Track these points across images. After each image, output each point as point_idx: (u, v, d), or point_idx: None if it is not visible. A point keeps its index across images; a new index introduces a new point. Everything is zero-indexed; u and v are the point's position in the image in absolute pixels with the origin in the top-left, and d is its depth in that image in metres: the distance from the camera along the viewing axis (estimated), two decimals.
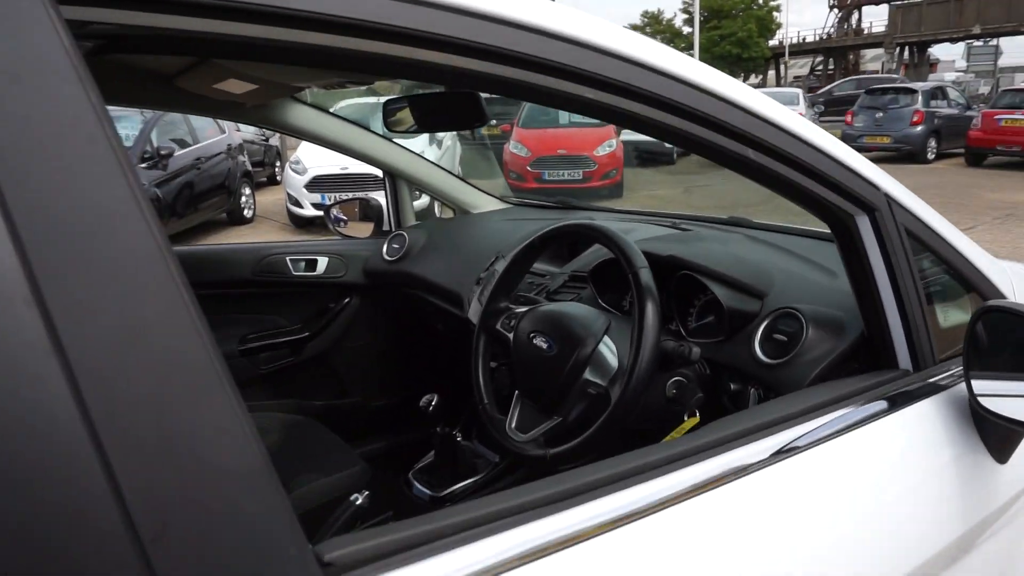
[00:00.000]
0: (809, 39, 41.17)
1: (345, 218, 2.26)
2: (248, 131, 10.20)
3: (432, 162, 2.29)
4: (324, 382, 2.17)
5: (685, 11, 38.43)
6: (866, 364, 1.06)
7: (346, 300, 2.15)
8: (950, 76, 32.35)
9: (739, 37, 36.16)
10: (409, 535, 0.54)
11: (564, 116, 10.27)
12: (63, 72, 0.41)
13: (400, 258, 2.06)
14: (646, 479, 0.67)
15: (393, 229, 2.23)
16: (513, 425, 1.25)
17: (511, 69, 0.66)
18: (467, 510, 0.58)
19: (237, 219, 8.61)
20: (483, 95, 1.47)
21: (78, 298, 0.39)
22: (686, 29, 38.07)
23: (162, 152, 7.08)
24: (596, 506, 0.63)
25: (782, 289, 1.26)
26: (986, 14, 28.97)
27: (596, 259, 1.51)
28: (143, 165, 6.86)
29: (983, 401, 0.94)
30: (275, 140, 11.77)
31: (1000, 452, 1.00)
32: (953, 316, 1.13)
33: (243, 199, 8.70)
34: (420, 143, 7.57)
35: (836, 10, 38.84)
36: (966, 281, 1.13)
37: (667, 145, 12.56)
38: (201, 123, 8.08)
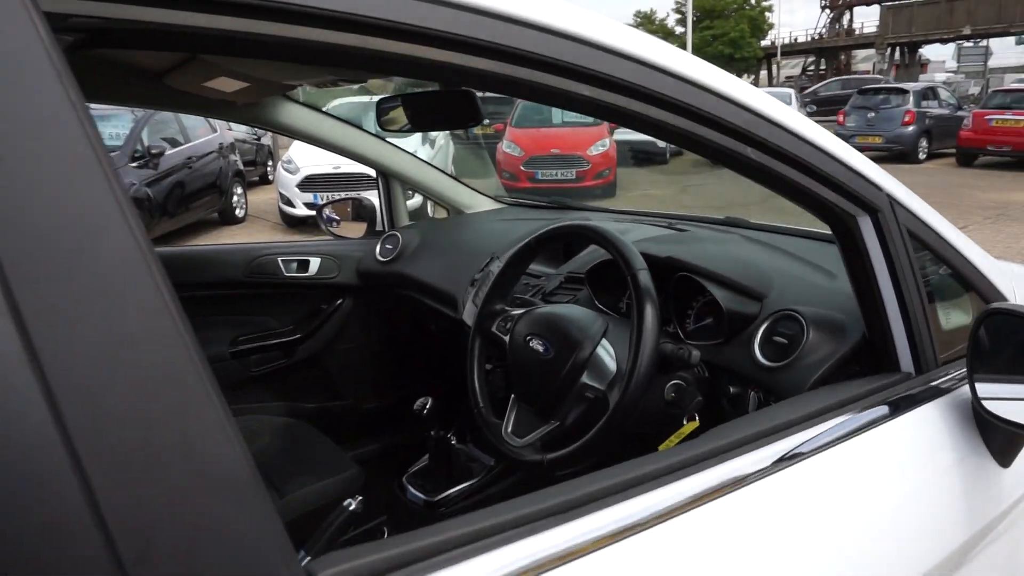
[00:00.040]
0: (801, 39, 41.36)
1: (338, 218, 2.23)
2: (240, 130, 10.15)
3: (426, 162, 2.26)
4: (316, 384, 2.14)
5: (678, 11, 38.51)
6: (867, 367, 1.05)
7: (339, 301, 2.12)
8: (940, 76, 32.56)
9: (731, 37, 36.25)
10: (404, 551, 0.52)
11: (557, 115, 10.26)
12: (41, 68, 0.39)
13: (393, 259, 2.04)
14: (647, 490, 0.65)
15: (386, 229, 2.21)
16: (509, 429, 1.23)
17: (508, 66, 0.64)
18: (463, 524, 0.56)
19: (229, 219, 8.56)
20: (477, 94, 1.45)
21: (55, 307, 0.37)
22: (679, 29, 38.11)
23: (153, 151, 7.02)
24: (596, 519, 0.61)
25: (781, 291, 1.24)
26: (976, 15, 29.14)
27: (592, 260, 1.49)
28: (134, 164, 6.81)
29: (987, 404, 0.93)
30: (267, 139, 11.70)
31: (1003, 456, 0.99)
32: (954, 318, 1.12)
33: (235, 198, 8.65)
34: (413, 142, 7.54)
35: (828, 11, 38.99)
36: (967, 283, 1.11)
37: (660, 145, 12.63)
38: (192, 122, 8.02)
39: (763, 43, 39.43)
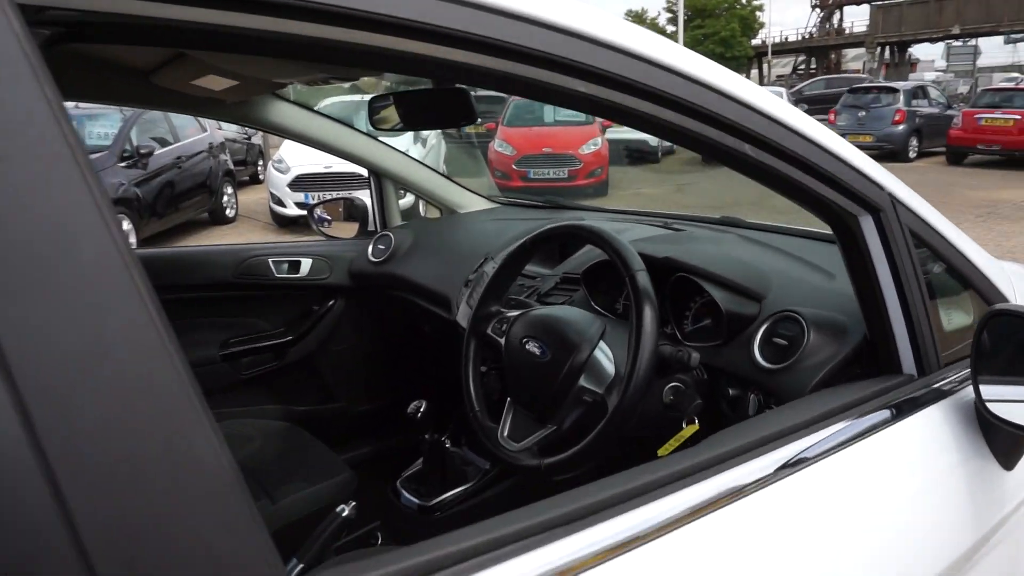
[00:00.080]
0: (792, 38, 41.50)
1: (329, 218, 2.21)
2: (230, 129, 10.08)
3: (418, 161, 2.24)
4: (308, 387, 2.12)
5: (669, 10, 38.60)
6: (868, 368, 1.03)
7: (330, 302, 2.10)
8: (930, 76, 32.74)
9: (722, 36, 36.33)
10: (397, 570, 0.50)
11: (549, 114, 10.25)
12: (14, 63, 0.37)
13: (386, 259, 2.01)
14: (650, 499, 0.63)
15: (378, 229, 2.18)
16: (505, 434, 1.20)
17: (502, 61, 0.62)
18: (458, 539, 0.54)
19: (219, 218, 8.50)
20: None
21: (28, 316, 0.35)
22: (670, 28, 38.17)
23: (142, 151, 6.97)
24: (598, 531, 0.59)
25: (780, 291, 1.23)
26: (965, 15, 29.32)
27: (588, 261, 1.47)
28: (122, 164, 6.75)
29: (991, 407, 0.91)
30: (257, 138, 11.63)
31: (1007, 458, 0.98)
32: (956, 319, 1.11)
33: (225, 198, 8.60)
34: (404, 141, 7.50)
35: (818, 10, 39.15)
36: (968, 283, 1.10)
37: (652, 143, 12.66)
38: (182, 121, 7.97)
39: (754, 42, 39.55)
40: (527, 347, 1.20)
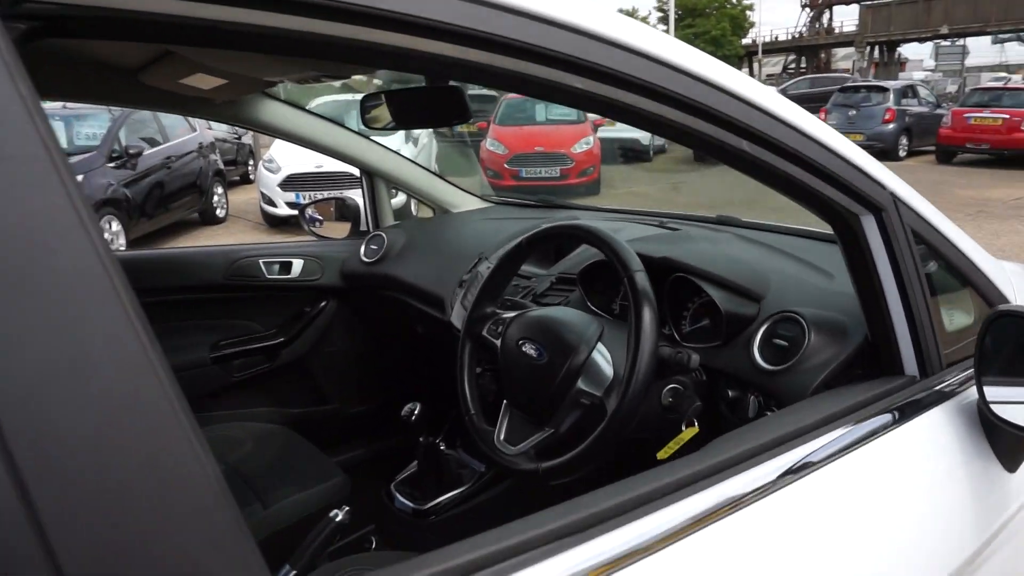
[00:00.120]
0: (782, 38, 41.64)
1: (320, 218, 2.18)
2: (220, 129, 10.02)
3: (411, 160, 2.22)
4: (300, 389, 2.09)
5: (659, 9, 38.67)
6: (869, 370, 1.02)
7: (322, 304, 2.07)
8: (919, 75, 32.90)
9: (713, 35, 36.43)
10: None
11: (541, 113, 10.24)
12: None
13: (379, 260, 1.99)
14: (654, 509, 0.61)
15: (371, 229, 2.16)
16: (502, 437, 1.18)
17: (496, 56, 0.60)
18: (455, 554, 0.52)
19: (209, 219, 8.45)
20: None
21: (0, 326, 0.32)
22: (660, 27, 38.26)
23: (131, 151, 6.91)
24: (602, 543, 0.57)
25: (779, 291, 1.21)
26: (953, 15, 29.51)
27: (584, 261, 1.45)
28: (111, 164, 6.69)
29: (995, 408, 0.90)
30: (248, 138, 11.57)
31: (1010, 460, 0.97)
32: (958, 319, 1.10)
33: (215, 198, 8.55)
34: (396, 140, 7.47)
35: (807, 9, 39.31)
36: (969, 282, 1.09)
37: (644, 142, 12.67)
38: (171, 121, 7.91)
39: (744, 41, 39.68)
40: (524, 349, 1.18)
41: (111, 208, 6.44)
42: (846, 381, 1.02)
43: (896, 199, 0.95)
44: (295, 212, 6.29)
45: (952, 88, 27.59)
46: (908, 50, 39.27)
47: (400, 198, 3.61)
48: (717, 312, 1.20)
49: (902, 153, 12.89)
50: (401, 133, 7.80)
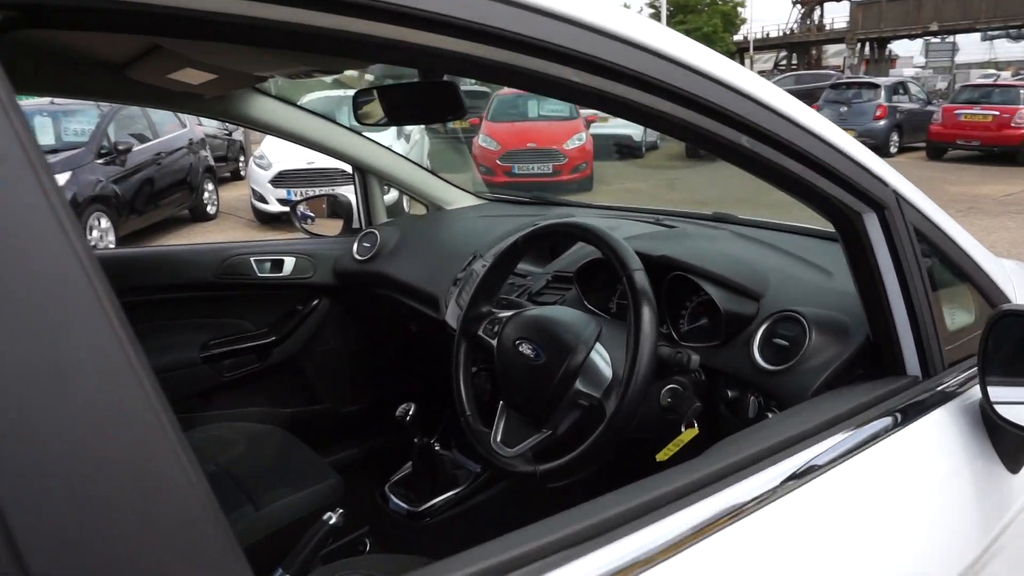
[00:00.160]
0: (773, 35, 41.74)
1: (312, 215, 2.15)
2: (210, 125, 9.94)
3: (404, 156, 2.19)
4: (293, 388, 2.07)
5: (651, 6, 38.62)
6: (871, 370, 1.01)
7: (315, 302, 2.05)
8: (909, 72, 33.04)
9: (704, 32, 36.40)
10: None
11: (533, 109, 10.21)
12: None
13: (371, 257, 1.96)
14: (659, 517, 0.60)
15: (363, 227, 2.13)
16: (498, 439, 1.16)
17: (488, 48, 0.57)
18: (454, 567, 0.50)
19: (200, 216, 8.39)
20: None
21: None
22: None
23: (120, 147, 6.85)
24: (606, 553, 0.55)
25: (778, 290, 1.20)
26: (943, 12, 29.64)
27: (581, 259, 1.43)
28: (100, 161, 6.63)
29: (999, 409, 0.89)
30: (238, 134, 11.49)
31: (1014, 461, 0.96)
32: (960, 319, 1.08)
33: (206, 195, 8.49)
34: (388, 136, 7.43)
35: (799, 6, 39.39)
36: (971, 281, 1.08)
37: (636, 139, 12.65)
38: (161, 117, 7.84)
39: (736, 38, 39.71)
40: (520, 349, 1.16)
41: (100, 205, 6.39)
42: (847, 381, 1.01)
43: (899, 197, 0.94)
44: (286, 209, 6.25)
45: (942, 85, 27.70)
46: (898, 47, 39.49)
47: (392, 195, 3.58)
48: (716, 311, 1.18)
49: (893, 149, 12.93)
50: (393, 129, 7.75)
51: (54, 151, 6.43)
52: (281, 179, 7.45)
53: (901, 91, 13.68)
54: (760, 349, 1.10)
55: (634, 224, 1.68)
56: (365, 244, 2.00)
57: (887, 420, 0.86)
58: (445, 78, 1.30)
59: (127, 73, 1.30)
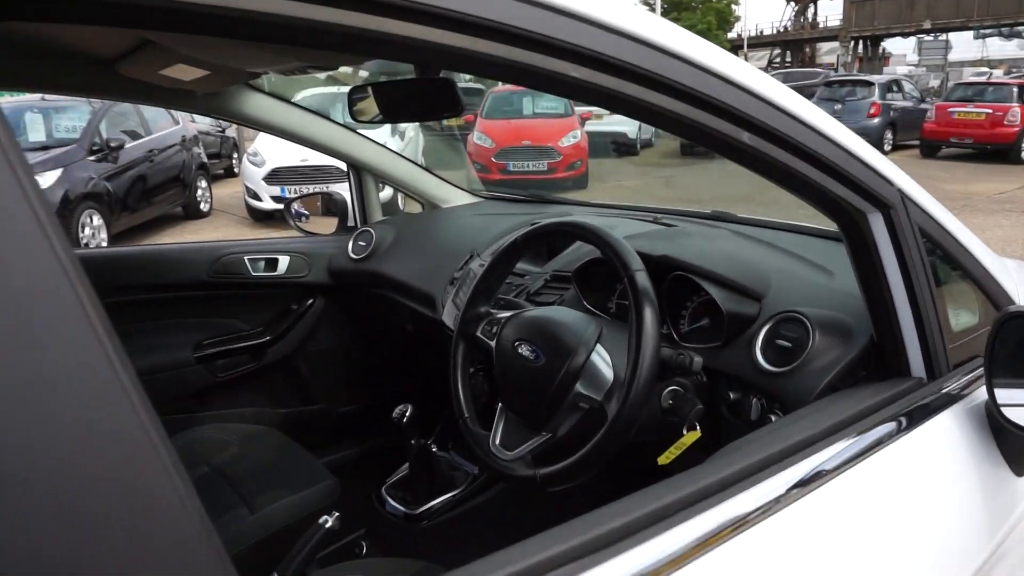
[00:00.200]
0: (767, 32, 41.80)
1: (307, 213, 2.13)
2: (203, 122, 9.88)
3: (399, 154, 2.17)
4: (288, 389, 2.05)
5: (645, 2, 38.64)
6: (874, 371, 0.99)
7: (310, 301, 2.03)
8: (902, 70, 33.18)
9: (699, 30, 36.38)
10: None
11: (528, 106, 10.19)
12: None
13: (367, 256, 1.94)
14: (661, 531, 0.58)
15: (359, 225, 2.11)
16: (497, 441, 1.14)
17: (484, 42, 0.55)
18: None
19: (193, 213, 8.35)
20: None
21: None
22: None
23: (112, 144, 6.81)
24: (609, 568, 0.53)
25: (780, 290, 1.18)
26: (936, 10, 29.74)
27: (580, 258, 1.41)
28: (92, 158, 6.58)
29: (1006, 412, 0.88)
30: (232, 131, 11.42)
31: (1019, 464, 0.95)
32: (964, 319, 1.07)
33: (199, 192, 8.44)
34: (382, 133, 7.39)
35: (792, 4, 39.45)
36: (976, 282, 1.07)
37: (630, 136, 12.65)
38: (153, 113, 7.79)
39: (730, 36, 39.74)
40: (520, 351, 1.14)
41: (92, 202, 6.34)
42: (851, 383, 1.00)
43: (904, 196, 0.92)
44: (280, 206, 6.22)
45: (935, 83, 27.78)
46: (891, 45, 39.60)
47: (386, 192, 3.55)
48: (717, 311, 1.16)
49: (887, 147, 12.96)
50: (387, 126, 7.72)
51: (45, 148, 6.38)
52: (275, 176, 7.41)
53: (895, 89, 13.71)
54: (762, 350, 1.09)
55: (632, 223, 1.66)
56: (360, 243, 1.98)
57: (894, 424, 0.85)
58: (442, 75, 1.28)
59: (117, 69, 1.27)
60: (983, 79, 15.59)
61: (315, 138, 1.88)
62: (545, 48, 0.58)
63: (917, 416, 0.88)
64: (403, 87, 1.37)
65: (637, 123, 12.27)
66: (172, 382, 1.83)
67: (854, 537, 0.73)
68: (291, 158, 7.16)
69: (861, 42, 34.03)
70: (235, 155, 11.41)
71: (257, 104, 1.72)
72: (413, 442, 1.54)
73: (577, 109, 10.25)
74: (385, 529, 1.61)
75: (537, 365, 1.11)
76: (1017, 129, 11.44)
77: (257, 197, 7.58)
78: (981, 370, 1.00)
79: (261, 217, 7.75)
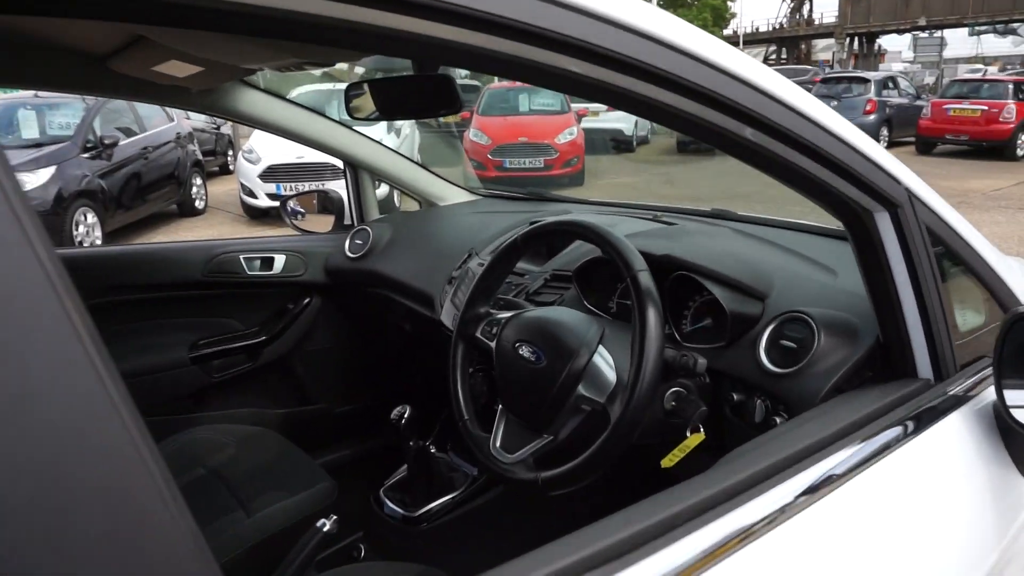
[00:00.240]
0: (763, 29, 41.83)
1: (303, 211, 2.11)
2: (198, 119, 9.83)
3: (396, 151, 2.15)
4: (284, 389, 2.03)
5: None
6: (880, 372, 0.98)
7: (306, 300, 2.01)
8: (898, 66, 33.19)
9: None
10: None
11: (525, 103, 10.17)
12: None
13: (364, 255, 1.92)
14: (669, 541, 0.56)
15: (355, 224, 2.09)
16: (498, 444, 1.13)
17: (481, 36, 0.53)
18: None
19: (188, 210, 8.31)
20: None
21: None
22: None
23: (106, 141, 6.76)
24: None
25: (783, 290, 1.17)
26: (931, 6, 29.81)
27: (580, 258, 1.40)
28: (86, 155, 6.53)
29: (1016, 414, 0.86)
30: (227, 128, 11.37)
31: None
32: (970, 319, 1.06)
33: (194, 189, 8.39)
34: (378, 130, 7.36)
35: (788, 0, 39.46)
36: (982, 282, 1.05)
37: (627, 133, 12.63)
38: (148, 110, 7.74)
39: (725, 32, 39.75)
40: (520, 352, 1.12)
41: (86, 200, 6.30)
42: (856, 384, 0.98)
43: (911, 195, 0.91)
44: (276, 204, 6.18)
45: (930, 79, 27.85)
46: (887, 41, 39.62)
47: (382, 189, 3.53)
48: (720, 312, 1.15)
49: (883, 144, 12.96)
50: (383, 123, 7.69)
51: (39, 145, 6.34)
52: (270, 173, 7.37)
53: (891, 86, 13.70)
54: (766, 351, 1.07)
55: (632, 221, 1.65)
56: (357, 241, 1.96)
57: (902, 427, 0.83)
58: (439, 71, 1.26)
59: (110, 65, 1.25)
60: (979, 76, 15.60)
61: (311, 135, 1.86)
62: (545, 42, 0.56)
63: (925, 419, 0.87)
64: (401, 84, 1.35)
65: (633, 120, 12.28)
66: (167, 383, 1.81)
67: (863, 544, 0.71)
68: (287, 155, 7.12)
69: (857, 39, 34.08)
70: (230, 152, 11.37)
71: (252, 101, 1.70)
72: (412, 443, 1.52)
73: (573, 106, 10.23)
74: (383, 532, 1.59)
75: (538, 367, 1.09)
76: (1012, 126, 11.46)
77: (252, 194, 7.54)
78: (988, 370, 0.99)
79: (257, 215, 7.72)
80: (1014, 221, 7.14)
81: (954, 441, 0.88)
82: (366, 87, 1.39)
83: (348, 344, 2.08)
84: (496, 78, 11.37)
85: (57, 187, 5.97)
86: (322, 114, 1.93)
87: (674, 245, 1.28)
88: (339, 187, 2.17)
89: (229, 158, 11.32)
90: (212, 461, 1.54)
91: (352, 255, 1.95)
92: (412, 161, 2.18)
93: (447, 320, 1.53)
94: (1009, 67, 29.34)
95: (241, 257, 1.92)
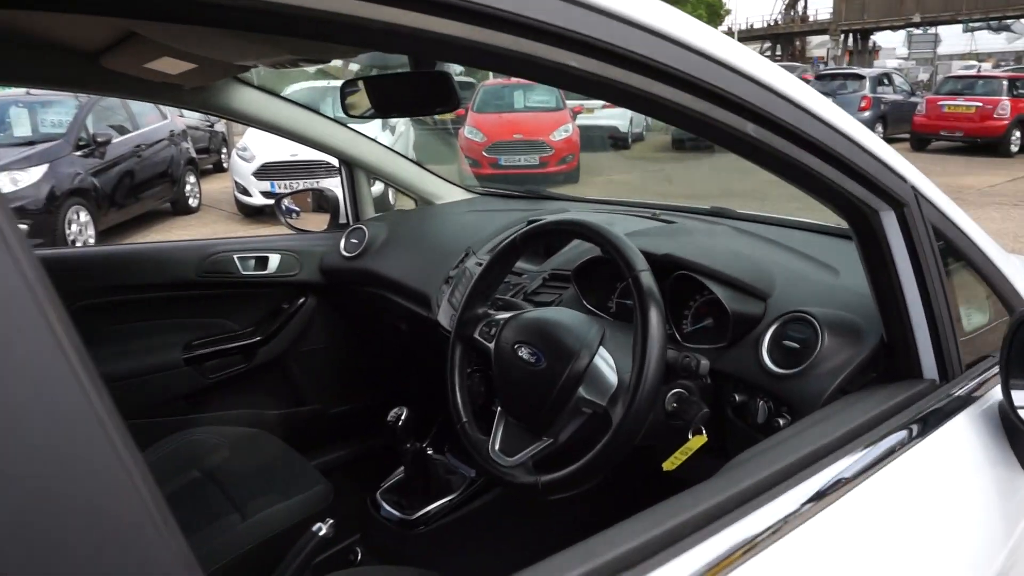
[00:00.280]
0: (757, 25, 41.87)
1: (298, 209, 2.08)
2: (192, 116, 9.78)
3: (392, 149, 2.13)
4: (279, 390, 2.01)
5: None
6: (884, 373, 0.97)
7: (301, 300, 1.99)
8: (892, 63, 33.26)
9: None
10: None
11: (520, 100, 10.14)
12: None
13: (360, 254, 1.90)
14: (677, 552, 0.54)
15: (351, 222, 2.07)
16: (497, 447, 1.11)
17: (477, 30, 0.52)
18: None
19: (182, 209, 8.26)
20: None
21: None
22: None
23: (99, 139, 6.71)
24: None
25: (785, 289, 1.15)
26: (925, 3, 29.86)
27: (579, 257, 1.38)
28: (79, 153, 6.49)
29: (1023, 415, 0.85)
30: (221, 125, 11.32)
31: None
32: (975, 319, 1.05)
33: (188, 188, 8.35)
34: (373, 128, 7.33)
35: None
36: (988, 281, 1.04)
37: (622, 130, 12.61)
38: (141, 108, 7.69)
39: (720, 29, 39.78)
40: (520, 353, 1.10)
41: (79, 198, 6.26)
42: (860, 385, 0.97)
43: (918, 194, 0.90)
44: (270, 201, 6.15)
45: (924, 76, 27.93)
46: (881, 38, 39.72)
47: (377, 187, 3.50)
48: (721, 311, 1.13)
49: None
50: (378, 121, 7.65)
51: (31, 143, 6.29)
52: (265, 171, 7.33)
53: (885, 82, 13.72)
54: (769, 351, 1.05)
55: (631, 219, 1.63)
56: (353, 240, 1.94)
57: (908, 431, 0.82)
58: (437, 68, 1.24)
59: (102, 62, 1.23)
60: (973, 72, 15.63)
61: (305, 133, 1.84)
62: (543, 36, 0.54)
63: (932, 421, 0.85)
64: (396, 81, 1.33)
65: (628, 117, 12.26)
66: (161, 384, 1.79)
67: (870, 550, 0.70)
68: (281, 153, 7.08)
69: (851, 35, 34.13)
70: (224, 150, 11.32)
71: (246, 99, 1.68)
72: (408, 445, 1.50)
73: (568, 103, 10.21)
74: (380, 535, 1.57)
75: (538, 368, 1.07)
76: (1006, 122, 11.49)
77: (247, 192, 7.50)
78: (993, 371, 0.98)
79: (251, 213, 7.68)
80: (1009, 217, 7.15)
81: (961, 444, 0.87)
82: (362, 84, 1.37)
83: (344, 344, 2.06)
84: (491, 74, 11.33)
85: (49, 185, 5.93)
86: (317, 111, 1.91)
87: (675, 244, 1.26)
88: (334, 185, 2.15)
89: (223, 156, 11.26)
90: (207, 464, 1.52)
91: (348, 254, 1.93)
92: (408, 159, 2.16)
93: (444, 320, 1.51)
94: (1003, 63, 29.42)
95: (235, 256, 1.89)
